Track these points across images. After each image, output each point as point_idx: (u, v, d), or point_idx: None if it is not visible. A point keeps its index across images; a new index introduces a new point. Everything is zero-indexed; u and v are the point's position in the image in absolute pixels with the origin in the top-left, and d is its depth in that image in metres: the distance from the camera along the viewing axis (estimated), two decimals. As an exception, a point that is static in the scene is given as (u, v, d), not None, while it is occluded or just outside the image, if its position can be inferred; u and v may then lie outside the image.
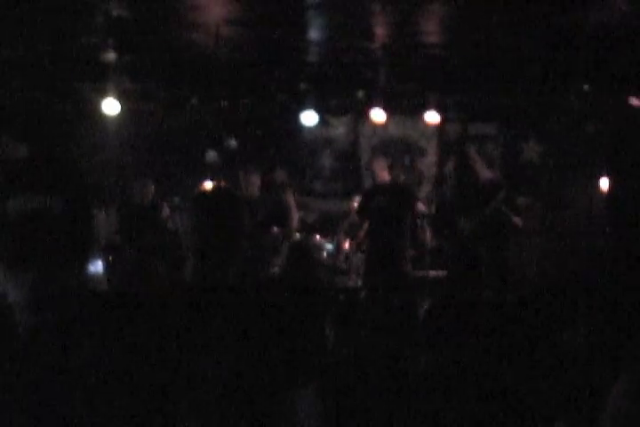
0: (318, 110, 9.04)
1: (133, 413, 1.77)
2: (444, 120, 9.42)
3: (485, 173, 7.20)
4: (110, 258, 7.47)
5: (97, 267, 7.10)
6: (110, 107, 8.18)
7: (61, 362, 1.74)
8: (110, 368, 1.78)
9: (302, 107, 8.97)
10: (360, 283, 7.80)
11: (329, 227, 9.37)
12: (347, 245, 8.36)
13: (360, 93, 8.86)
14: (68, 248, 1.77)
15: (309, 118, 9.08)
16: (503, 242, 6.98)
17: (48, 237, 1.71)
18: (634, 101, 7.47)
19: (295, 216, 7.91)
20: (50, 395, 1.72)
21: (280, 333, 2.63)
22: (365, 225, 7.84)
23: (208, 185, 8.71)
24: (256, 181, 8.17)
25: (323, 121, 9.96)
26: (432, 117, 9.10)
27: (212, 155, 9.09)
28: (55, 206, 1.71)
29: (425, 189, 10.26)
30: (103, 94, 8.16)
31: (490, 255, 6.30)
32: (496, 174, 7.43)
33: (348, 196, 9.90)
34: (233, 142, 9.26)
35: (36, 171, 1.76)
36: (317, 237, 8.57)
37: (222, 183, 8.64)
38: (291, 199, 7.88)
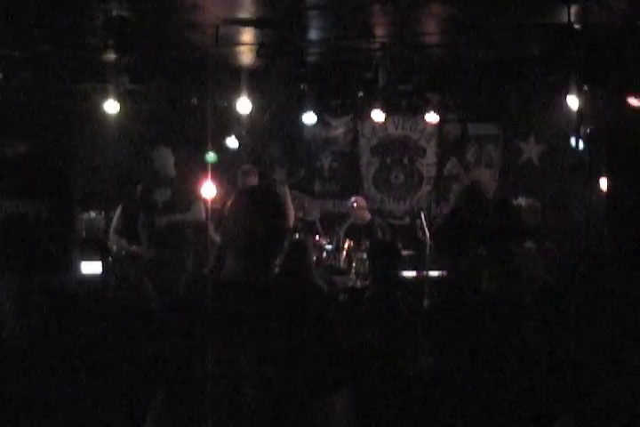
0: (318, 111, 9.04)
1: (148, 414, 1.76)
2: (443, 120, 9.43)
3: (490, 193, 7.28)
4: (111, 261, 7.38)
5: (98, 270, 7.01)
6: (110, 107, 8.18)
7: (56, 365, 1.74)
8: (122, 369, 1.78)
9: (302, 107, 8.97)
10: (360, 283, 7.81)
11: (329, 227, 9.37)
12: (347, 245, 8.37)
13: (360, 94, 8.86)
14: (53, 252, 1.77)
15: (309, 119, 9.08)
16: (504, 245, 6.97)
17: (34, 241, 1.71)
18: (633, 101, 7.48)
19: (291, 216, 7.90)
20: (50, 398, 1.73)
21: (279, 333, 2.62)
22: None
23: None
24: (254, 180, 8.17)
25: (322, 121, 9.97)
26: (432, 118, 9.11)
27: None
28: (41, 211, 1.71)
29: (425, 190, 10.27)
30: (103, 94, 8.15)
31: (491, 256, 6.31)
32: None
33: (348, 196, 9.91)
34: (233, 143, 9.26)
35: (23, 175, 1.76)
36: (317, 237, 8.57)
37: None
38: (288, 199, 7.88)
